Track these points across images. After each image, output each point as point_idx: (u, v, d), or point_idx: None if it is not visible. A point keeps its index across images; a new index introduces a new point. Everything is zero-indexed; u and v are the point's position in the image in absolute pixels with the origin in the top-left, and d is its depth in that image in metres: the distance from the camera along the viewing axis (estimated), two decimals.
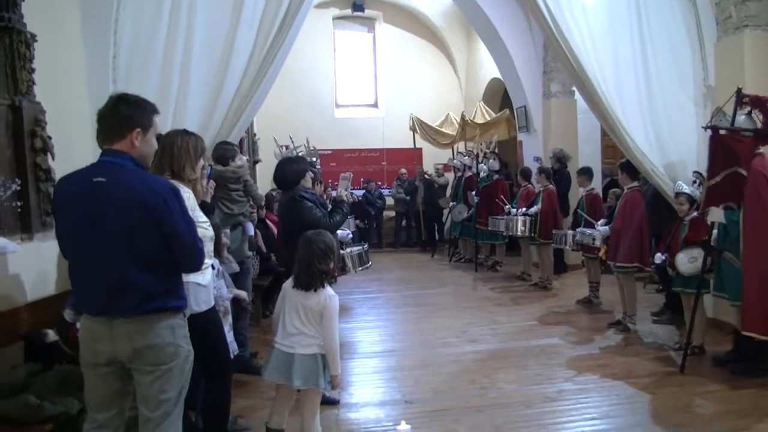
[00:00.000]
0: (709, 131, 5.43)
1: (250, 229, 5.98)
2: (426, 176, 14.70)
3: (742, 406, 4.76)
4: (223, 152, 5.70)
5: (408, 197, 14.98)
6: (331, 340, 3.76)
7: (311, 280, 3.77)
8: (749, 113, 5.34)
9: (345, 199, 5.36)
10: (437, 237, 14.61)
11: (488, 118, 13.00)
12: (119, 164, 2.80)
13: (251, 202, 6.18)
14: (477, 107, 13.65)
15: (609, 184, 10.41)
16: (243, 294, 4.98)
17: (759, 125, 5.30)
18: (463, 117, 13.15)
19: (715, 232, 5.56)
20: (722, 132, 5.39)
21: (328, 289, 3.84)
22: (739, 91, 5.38)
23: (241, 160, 5.91)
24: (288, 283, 3.91)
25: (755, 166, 5.25)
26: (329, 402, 4.86)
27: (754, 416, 4.58)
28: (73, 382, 3.69)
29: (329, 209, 5.31)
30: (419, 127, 14.22)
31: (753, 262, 5.23)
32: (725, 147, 5.34)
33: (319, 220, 4.89)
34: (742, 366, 5.49)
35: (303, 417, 3.86)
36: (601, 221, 7.57)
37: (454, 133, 13.74)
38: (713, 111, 5.64)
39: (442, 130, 14.17)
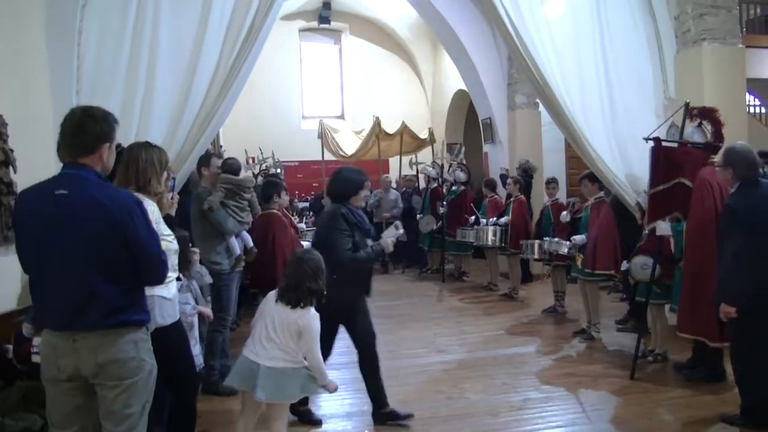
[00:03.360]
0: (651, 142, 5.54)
1: (248, 239, 5.93)
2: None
3: (704, 413, 4.84)
4: (234, 163, 5.94)
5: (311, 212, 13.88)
6: (315, 355, 3.78)
7: (300, 298, 3.77)
8: (699, 125, 5.47)
9: (387, 249, 4.83)
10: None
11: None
12: (82, 177, 2.77)
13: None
14: (375, 120, 13.27)
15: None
16: (207, 311, 4.97)
17: (709, 136, 5.45)
18: (378, 123, 12.94)
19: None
20: (666, 144, 5.51)
21: (312, 309, 3.83)
22: (687, 105, 5.55)
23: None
24: (272, 294, 3.90)
25: (703, 175, 5.34)
26: (312, 421, 4.87)
27: (716, 423, 4.65)
28: (36, 398, 3.65)
29: (368, 245, 4.74)
30: (324, 135, 13.67)
31: (689, 264, 5.37)
32: (668, 158, 5.46)
33: (339, 249, 4.47)
34: (695, 372, 5.60)
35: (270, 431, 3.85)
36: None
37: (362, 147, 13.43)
38: (670, 125, 5.77)
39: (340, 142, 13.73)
